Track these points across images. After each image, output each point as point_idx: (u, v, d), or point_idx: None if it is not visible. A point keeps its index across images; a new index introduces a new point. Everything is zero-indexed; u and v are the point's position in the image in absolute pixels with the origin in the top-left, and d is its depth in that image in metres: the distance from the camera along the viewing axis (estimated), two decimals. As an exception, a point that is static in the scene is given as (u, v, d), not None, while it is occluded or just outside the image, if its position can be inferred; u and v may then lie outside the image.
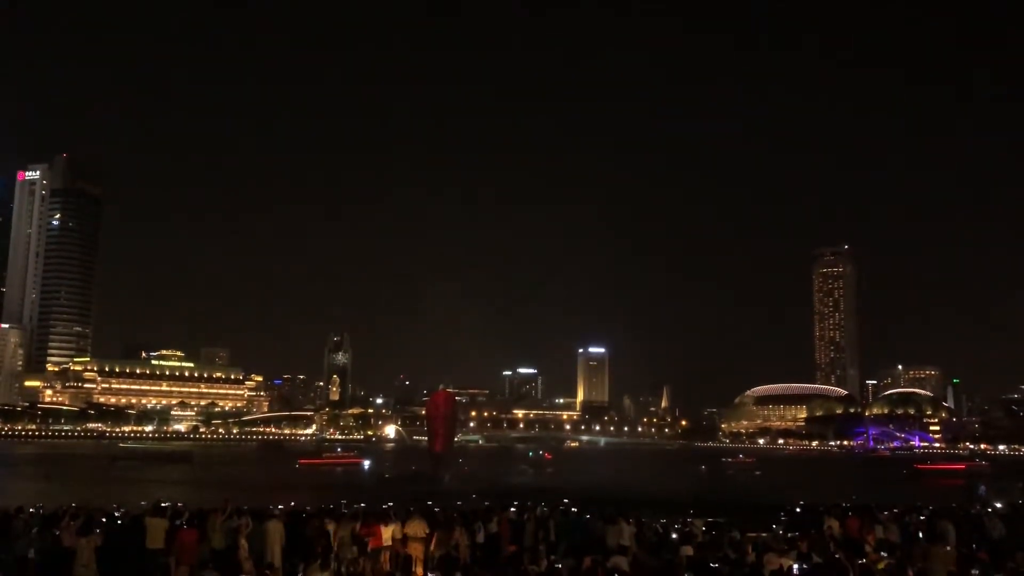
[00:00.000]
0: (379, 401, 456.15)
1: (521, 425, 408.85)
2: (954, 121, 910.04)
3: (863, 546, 26.41)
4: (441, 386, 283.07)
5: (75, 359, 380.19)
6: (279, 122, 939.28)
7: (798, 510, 40.00)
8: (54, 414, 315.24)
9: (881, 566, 21.97)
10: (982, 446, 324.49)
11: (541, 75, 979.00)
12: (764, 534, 28.45)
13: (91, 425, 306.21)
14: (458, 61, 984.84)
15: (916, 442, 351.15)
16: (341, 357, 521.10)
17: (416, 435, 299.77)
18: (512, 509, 32.80)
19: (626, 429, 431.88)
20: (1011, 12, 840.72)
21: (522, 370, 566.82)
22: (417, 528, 25.54)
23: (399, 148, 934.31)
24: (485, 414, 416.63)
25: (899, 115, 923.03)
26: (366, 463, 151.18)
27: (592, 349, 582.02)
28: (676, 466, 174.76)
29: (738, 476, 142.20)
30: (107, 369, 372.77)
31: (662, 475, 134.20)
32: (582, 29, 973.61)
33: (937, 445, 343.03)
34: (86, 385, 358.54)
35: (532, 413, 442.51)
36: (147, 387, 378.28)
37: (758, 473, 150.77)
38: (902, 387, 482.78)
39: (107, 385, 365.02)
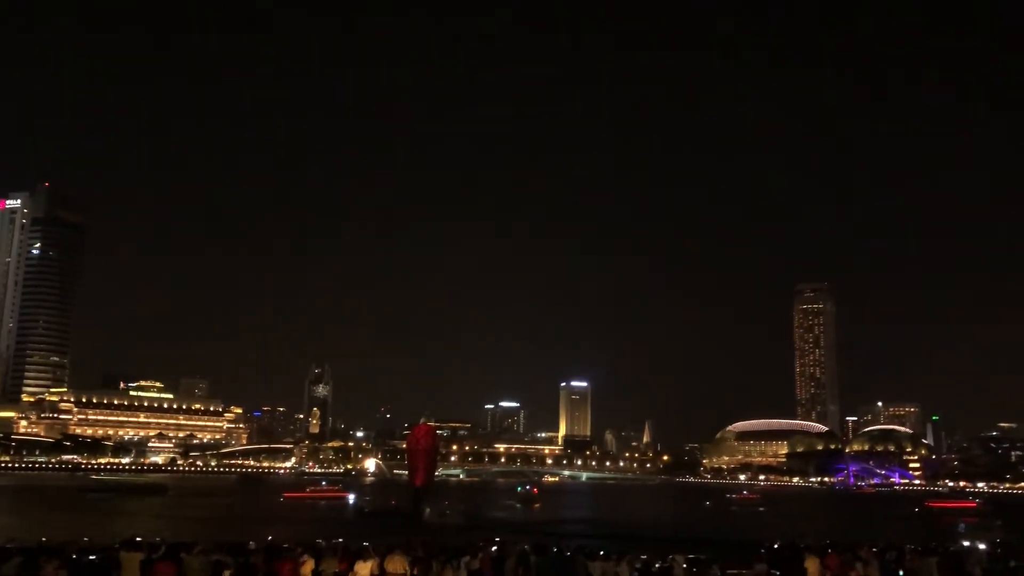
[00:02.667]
0: (359, 434, 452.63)
1: (503, 459, 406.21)
2: (937, 155, 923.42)
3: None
4: (422, 419, 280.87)
5: (51, 389, 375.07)
6: (262, 153, 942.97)
7: (776, 546, 39.81)
8: (29, 445, 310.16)
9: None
10: (961, 483, 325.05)
11: (531, 111, 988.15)
12: (744, 571, 28.42)
13: (67, 457, 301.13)
14: (452, 89, 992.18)
15: (896, 479, 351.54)
16: (322, 389, 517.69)
17: (397, 469, 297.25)
18: (494, 548, 32.55)
19: (608, 464, 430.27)
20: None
21: (504, 403, 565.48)
22: (397, 564, 25.33)
23: (374, 190, 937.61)
24: (467, 448, 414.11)
25: (879, 151, 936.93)
26: (351, 497, 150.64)
27: (575, 383, 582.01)
28: (678, 502, 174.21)
29: (742, 512, 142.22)
30: (84, 400, 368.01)
31: (651, 509, 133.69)
32: (575, 56, 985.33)
33: (917, 482, 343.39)
34: (62, 416, 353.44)
35: (514, 447, 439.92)
36: (125, 418, 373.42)
37: (762, 509, 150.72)
38: (882, 424, 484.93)
39: (84, 416, 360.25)
